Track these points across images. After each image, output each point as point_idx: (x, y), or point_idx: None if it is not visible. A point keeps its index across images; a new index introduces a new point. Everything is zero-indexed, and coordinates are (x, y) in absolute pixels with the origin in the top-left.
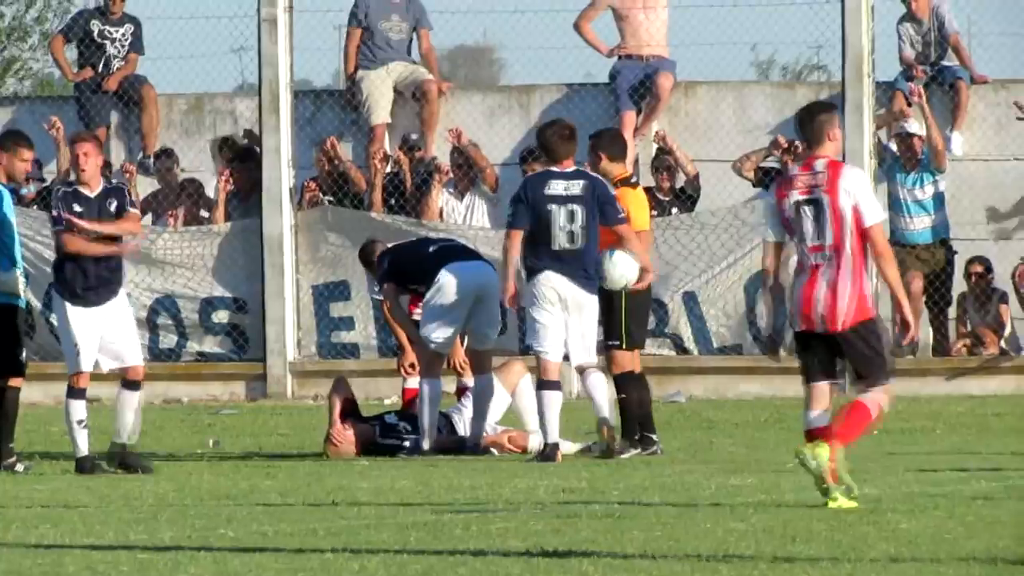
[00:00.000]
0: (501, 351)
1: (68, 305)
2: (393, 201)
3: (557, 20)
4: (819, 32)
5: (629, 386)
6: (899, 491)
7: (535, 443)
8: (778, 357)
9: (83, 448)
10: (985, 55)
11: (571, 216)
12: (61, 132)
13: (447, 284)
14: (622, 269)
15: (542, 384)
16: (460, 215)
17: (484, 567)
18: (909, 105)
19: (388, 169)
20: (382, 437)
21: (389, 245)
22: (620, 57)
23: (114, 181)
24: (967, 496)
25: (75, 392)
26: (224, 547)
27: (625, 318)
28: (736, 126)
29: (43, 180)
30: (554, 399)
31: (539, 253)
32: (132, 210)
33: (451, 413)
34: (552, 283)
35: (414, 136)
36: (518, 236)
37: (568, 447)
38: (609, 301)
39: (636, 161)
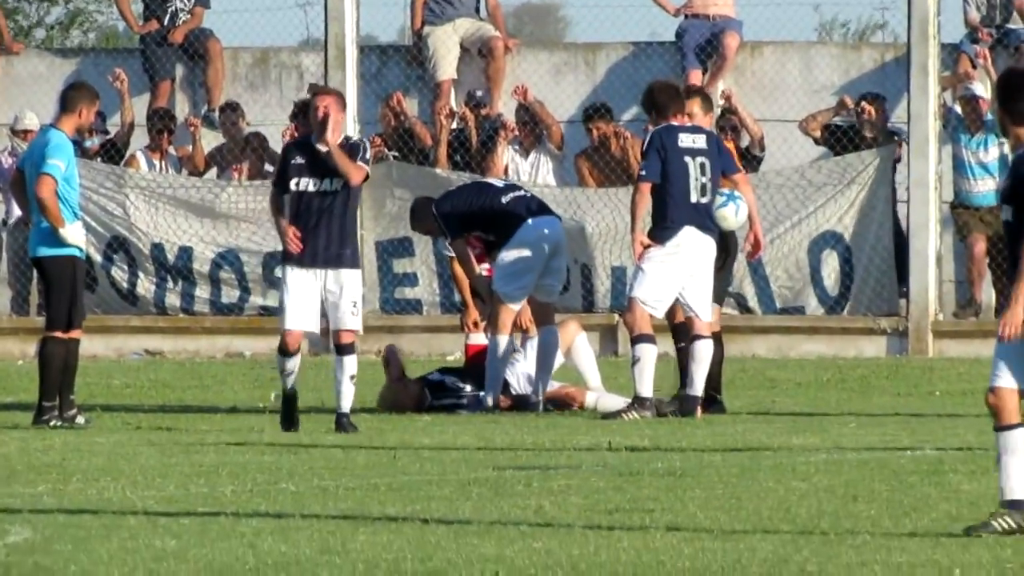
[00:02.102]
0: (562, 308)
1: (287, 264)
2: (458, 157)
3: None
4: None
5: (717, 345)
6: (961, 452)
7: (592, 400)
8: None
9: (288, 385)
10: None
11: (702, 169)
12: (126, 84)
13: (527, 238)
14: (742, 216)
15: (641, 338)
16: (525, 172)
17: (545, 524)
18: (974, 67)
19: (453, 125)
20: (435, 399)
21: (437, 196)
22: (686, 16)
23: (353, 138)
24: None
25: (283, 351)
26: (285, 501)
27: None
28: (802, 86)
29: (107, 132)
30: (653, 353)
31: (674, 205)
32: (362, 164)
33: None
34: (687, 237)
35: (479, 93)
36: (648, 188)
37: (618, 402)
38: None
39: None
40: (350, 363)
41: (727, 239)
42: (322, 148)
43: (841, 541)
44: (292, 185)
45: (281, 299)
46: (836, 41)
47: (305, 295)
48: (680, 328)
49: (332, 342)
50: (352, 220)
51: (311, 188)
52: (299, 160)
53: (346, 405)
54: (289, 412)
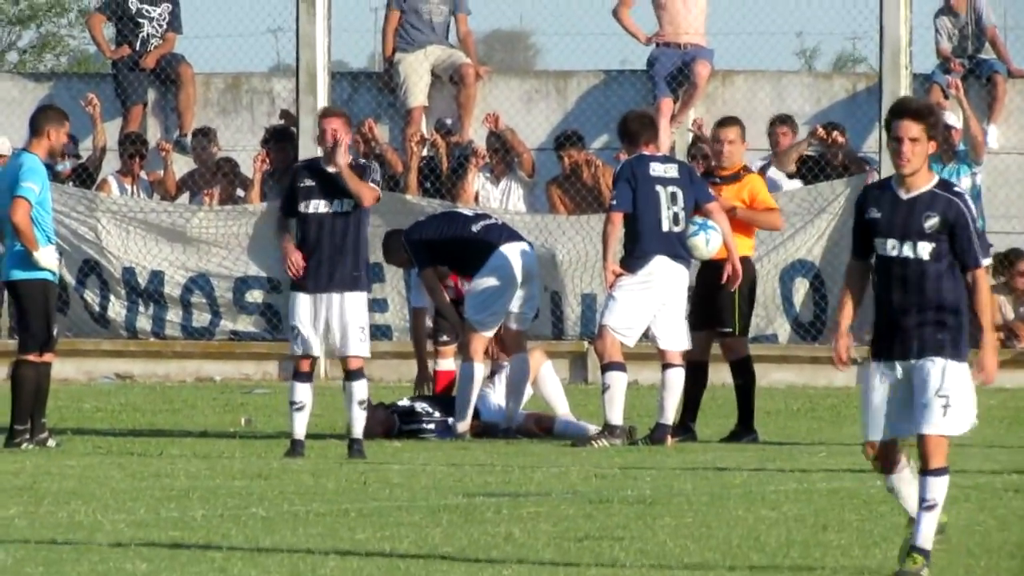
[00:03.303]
0: (533, 335)
1: (295, 291)
2: (428, 184)
3: (593, 6)
4: (857, 24)
5: (746, 373)
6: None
7: (561, 428)
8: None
9: (297, 432)
10: (1023, 49)
11: (673, 198)
12: (98, 109)
13: (499, 266)
14: (714, 245)
15: (612, 366)
16: (496, 199)
17: (515, 551)
18: (946, 98)
19: (424, 152)
20: (404, 424)
21: (407, 226)
22: (657, 44)
23: (362, 160)
24: (999, 488)
25: (297, 375)
26: (256, 526)
27: (739, 304)
28: (773, 115)
29: (79, 156)
30: (623, 380)
31: (646, 235)
32: (373, 186)
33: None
34: (658, 266)
35: (449, 121)
36: (620, 218)
37: (592, 430)
38: (714, 288)
39: (672, 148)
40: (359, 389)
41: (746, 267)
42: (332, 170)
43: (811, 571)
44: (301, 207)
45: (292, 324)
46: (810, 70)
47: (313, 320)
48: (738, 364)
49: (342, 368)
50: (364, 241)
51: (321, 210)
52: (308, 183)
53: (357, 431)
54: (293, 451)
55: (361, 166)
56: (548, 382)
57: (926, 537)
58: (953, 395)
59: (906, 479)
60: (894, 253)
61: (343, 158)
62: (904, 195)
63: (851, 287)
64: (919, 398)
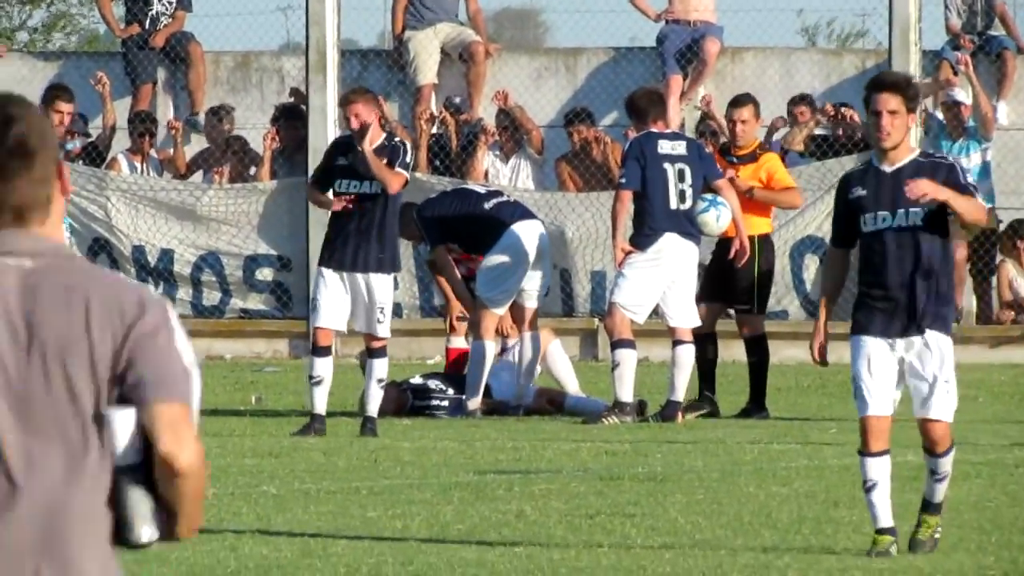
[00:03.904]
0: (543, 312)
1: (322, 266)
2: (438, 162)
3: None
4: (867, 0)
5: (760, 350)
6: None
7: (572, 404)
8: None
9: (317, 406)
10: None
11: (681, 175)
12: (107, 88)
13: (510, 244)
14: (724, 221)
15: (621, 343)
16: (505, 177)
17: (526, 528)
18: (956, 74)
19: (434, 130)
20: (416, 400)
21: (420, 202)
22: (667, 21)
23: (396, 139)
24: (1009, 464)
25: (315, 349)
26: (267, 504)
27: (757, 281)
28: (782, 92)
29: (88, 135)
30: (632, 358)
31: (654, 212)
32: (399, 169)
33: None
34: (668, 243)
35: (458, 99)
36: (629, 196)
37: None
38: (733, 266)
39: (682, 125)
40: (380, 367)
41: (764, 245)
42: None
43: (822, 547)
44: (336, 186)
45: (314, 297)
46: (819, 47)
47: (336, 295)
48: (755, 340)
49: (365, 346)
50: (392, 224)
51: (352, 190)
52: (343, 161)
53: (372, 409)
54: (307, 428)
55: (393, 147)
56: (557, 360)
57: (940, 495)
58: (952, 377)
59: (888, 470)
60: (884, 225)
61: (367, 145)
62: (888, 168)
63: (833, 279)
64: (922, 382)
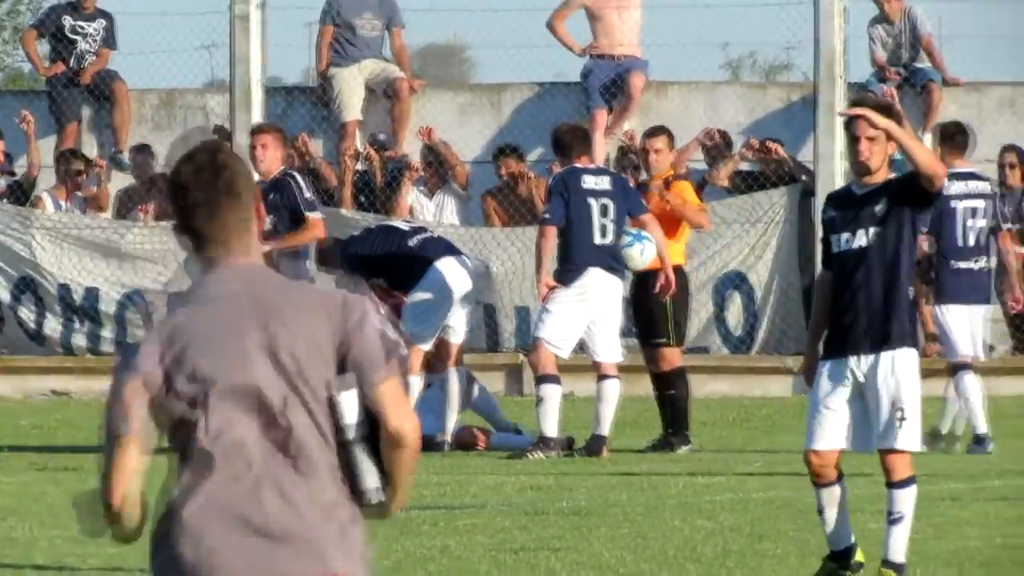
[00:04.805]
0: (467, 347)
1: None
2: (363, 198)
3: (527, 19)
4: (791, 33)
5: (680, 381)
6: (867, 491)
7: (497, 440)
8: None
9: None
10: (958, 57)
11: (605, 210)
12: (32, 126)
13: (438, 280)
14: (648, 256)
15: (546, 379)
16: (430, 212)
17: (451, 563)
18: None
19: (358, 166)
20: None
21: (343, 238)
22: (592, 56)
23: (286, 173)
24: (935, 497)
25: None
26: None
27: (672, 314)
28: (707, 126)
29: (13, 174)
30: (557, 393)
31: (578, 247)
32: (309, 215)
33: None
34: (592, 278)
35: (382, 135)
36: (553, 231)
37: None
38: (648, 299)
39: (607, 160)
40: None
41: (677, 277)
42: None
43: None
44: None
45: None
46: (743, 80)
47: None
48: (671, 374)
49: None
50: (303, 263)
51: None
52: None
53: None
54: None
55: (282, 183)
56: (483, 398)
57: (896, 550)
58: (908, 405)
59: (835, 498)
60: (847, 246)
61: (268, 247)
62: (859, 191)
63: (820, 301)
64: (877, 412)
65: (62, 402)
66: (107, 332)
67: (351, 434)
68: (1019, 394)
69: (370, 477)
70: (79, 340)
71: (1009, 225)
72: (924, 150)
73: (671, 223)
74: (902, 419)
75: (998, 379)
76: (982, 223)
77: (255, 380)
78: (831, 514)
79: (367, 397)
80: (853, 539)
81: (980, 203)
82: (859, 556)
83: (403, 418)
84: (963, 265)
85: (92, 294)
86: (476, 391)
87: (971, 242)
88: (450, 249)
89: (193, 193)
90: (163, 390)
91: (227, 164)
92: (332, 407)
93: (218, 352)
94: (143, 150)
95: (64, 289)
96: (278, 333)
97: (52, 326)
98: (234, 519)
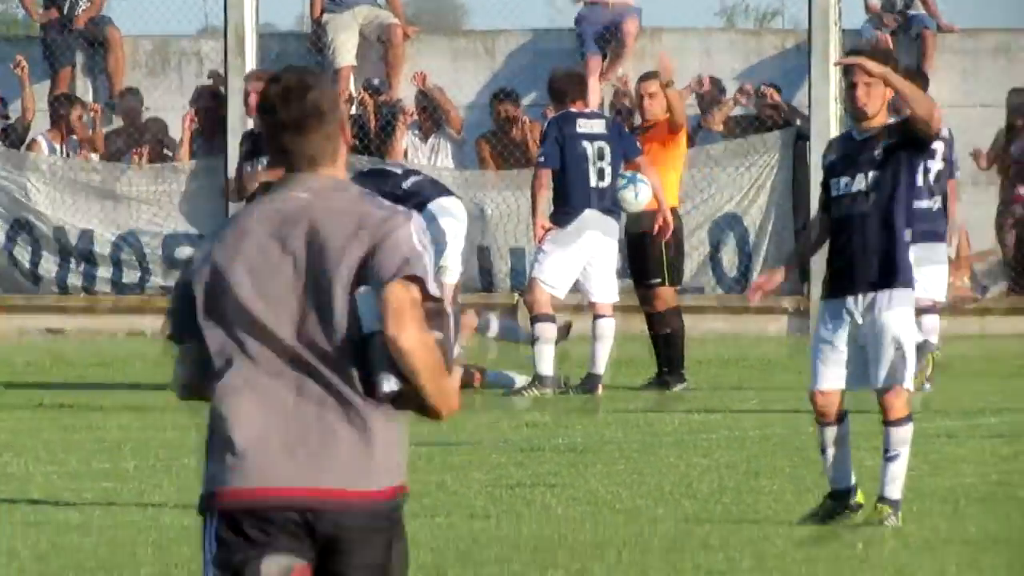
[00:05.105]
0: (464, 288)
1: None
2: (357, 142)
3: None
4: None
5: (675, 320)
6: (864, 428)
7: (492, 378)
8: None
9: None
10: (952, 4)
11: (600, 153)
12: (26, 72)
13: (430, 222)
14: (643, 198)
15: (540, 318)
16: (424, 156)
17: (447, 498)
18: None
19: (352, 111)
20: None
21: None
22: (585, 3)
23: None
24: (931, 434)
25: None
26: (187, 476)
27: (666, 254)
28: (701, 72)
29: (7, 118)
30: (552, 331)
31: (574, 190)
32: None
33: None
34: (587, 220)
35: (377, 81)
36: (548, 174)
37: (521, 380)
38: (644, 240)
39: (601, 104)
40: None
41: (675, 220)
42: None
43: (743, 516)
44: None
45: None
46: (737, 27)
47: None
48: (667, 313)
49: None
50: None
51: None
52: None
53: None
54: None
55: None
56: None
57: (893, 487)
58: (907, 343)
59: (839, 437)
60: (845, 190)
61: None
62: (859, 136)
63: (806, 238)
64: (876, 351)
65: (57, 340)
66: (102, 272)
67: (365, 329)
68: (1014, 333)
69: (381, 371)
70: (74, 280)
71: (959, 174)
72: (921, 96)
73: (664, 165)
74: (903, 357)
75: (995, 318)
76: (940, 166)
77: (288, 290)
78: (833, 453)
79: (379, 299)
80: (854, 480)
81: (939, 145)
82: (859, 497)
83: (399, 328)
84: (919, 204)
85: (87, 235)
86: (495, 325)
87: (930, 182)
88: (443, 190)
89: (280, 113)
90: (215, 291)
91: (313, 85)
92: (353, 307)
93: (256, 263)
94: (131, 93)
95: (59, 231)
96: (313, 243)
97: (47, 267)
98: (273, 413)
